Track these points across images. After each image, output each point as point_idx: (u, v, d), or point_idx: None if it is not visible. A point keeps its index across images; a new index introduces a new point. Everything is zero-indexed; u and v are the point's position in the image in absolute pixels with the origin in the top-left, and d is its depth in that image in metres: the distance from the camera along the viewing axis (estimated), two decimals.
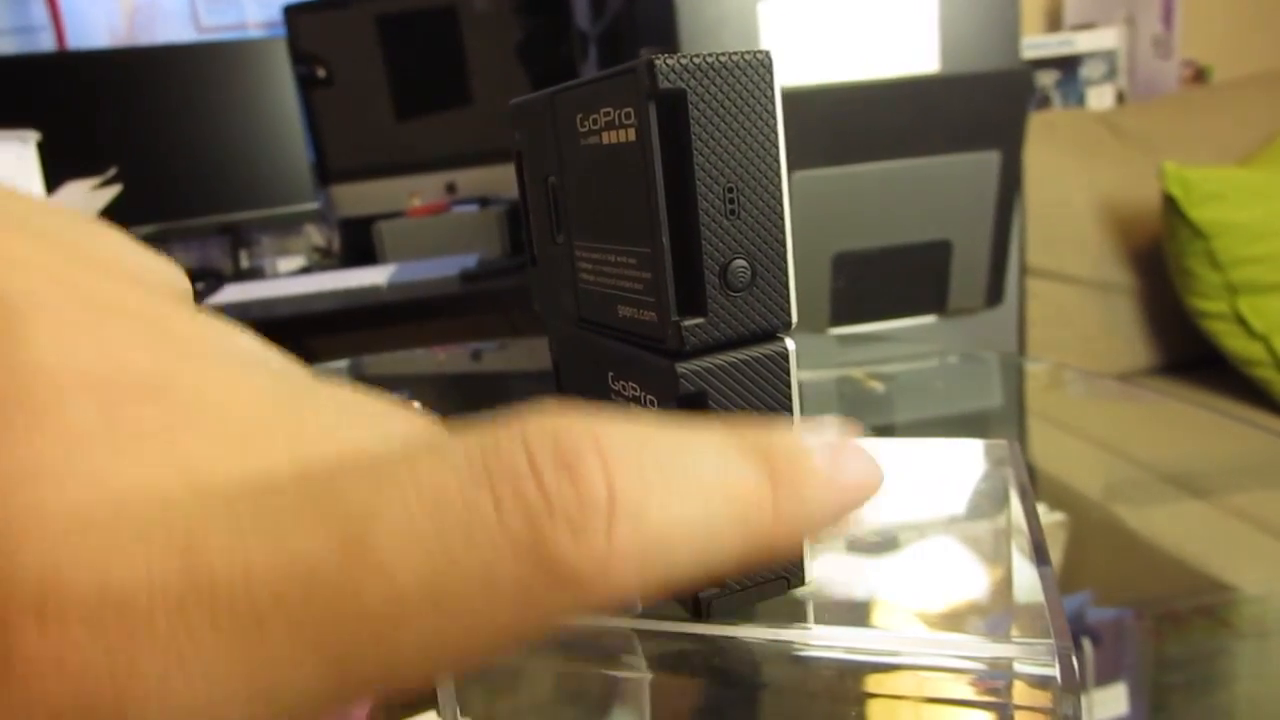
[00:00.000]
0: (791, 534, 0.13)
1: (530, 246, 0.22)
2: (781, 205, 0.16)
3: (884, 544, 0.21)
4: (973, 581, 0.20)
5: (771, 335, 0.17)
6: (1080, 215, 1.44)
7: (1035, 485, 0.61)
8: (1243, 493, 0.57)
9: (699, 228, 0.15)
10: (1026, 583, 0.19)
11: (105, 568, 0.09)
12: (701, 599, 0.17)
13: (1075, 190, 1.45)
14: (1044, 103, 1.67)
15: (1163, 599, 0.45)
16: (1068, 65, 1.66)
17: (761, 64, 0.16)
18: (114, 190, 0.78)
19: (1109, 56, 1.65)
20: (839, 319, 1.10)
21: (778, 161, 0.16)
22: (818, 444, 0.14)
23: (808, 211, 1.01)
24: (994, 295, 1.15)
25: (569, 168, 0.19)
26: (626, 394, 0.18)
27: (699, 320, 0.16)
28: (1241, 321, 1.31)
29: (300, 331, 1.27)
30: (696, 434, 0.13)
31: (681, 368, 0.16)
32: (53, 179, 0.81)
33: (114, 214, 0.78)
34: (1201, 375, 1.39)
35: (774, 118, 0.16)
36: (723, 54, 0.15)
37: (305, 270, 1.69)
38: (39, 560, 0.09)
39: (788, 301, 0.17)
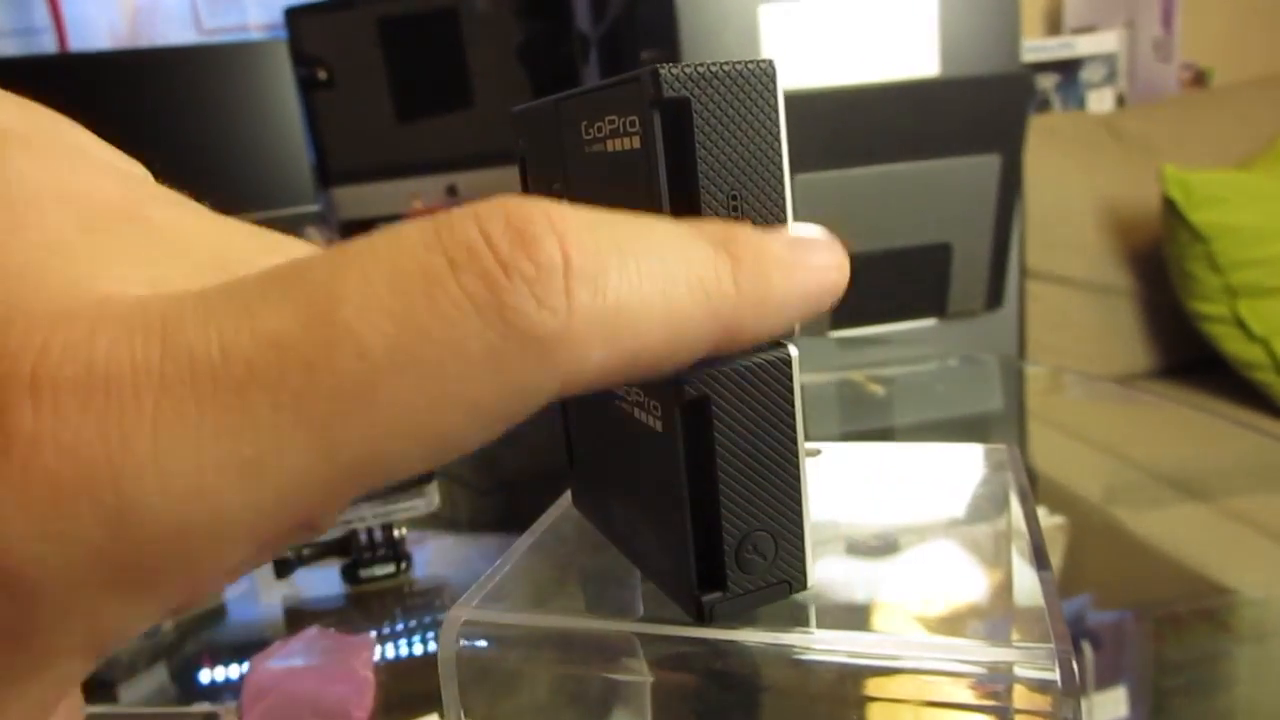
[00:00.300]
0: (757, 315, 0.13)
1: None
2: (785, 212, 0.16)
3: (884, 548, 0.22)
4: (973, 585, 0.20)
5: (774, 341, 0.17)
6: (1080, 218, 1.44)
7: (1035, 488, 0.61)
8: (1242, 496, 0.57)
9: None
10: (1026, 587, 0.19)
11: (91, 351, 0.10)
12: (704, 603, 0.17)
13: (1075, 193, 1.45)
14: (1044, 106, 1.67)
15: (1162, 602, 0.45)
16: (1068, 68, 1.66)
17: (765, 73, 0.16)
18: None
19: (1109, 60, 1.65)
20: (840, 322, 1.10)
21: (781, 169, 0.16)
22: (778, 234, 0.14)
23: (807, 214, 1.01)
24: (994, 298, 1.15)
25: (574, 175, 0.19)
26: (630, 399, 0.18)
27: None
28: (1241, 325, 1.31)
29: None
30: (654, 218, 0.13)
31: (684, 372, 0.16)
32: None
33: None
34: (1201, 378, 1.39)
35: (777, 125, 0.16)
36: (726, 63, 0.16)
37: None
38: (28, 343, 0.10)
39: None
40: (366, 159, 1.60)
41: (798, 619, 0.18)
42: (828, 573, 0.20)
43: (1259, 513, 0.53)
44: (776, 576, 0.17)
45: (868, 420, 0.75)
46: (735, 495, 0.17)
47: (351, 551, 0.45)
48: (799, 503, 0.17)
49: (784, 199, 0.16)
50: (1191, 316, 1.36)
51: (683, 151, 0.16)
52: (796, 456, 0.17)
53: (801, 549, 0.18)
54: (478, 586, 0.20)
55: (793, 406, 0.17)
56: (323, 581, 0.46)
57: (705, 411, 0.16)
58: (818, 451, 0.26)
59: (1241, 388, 1.33)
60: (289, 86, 1.57)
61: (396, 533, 0.45)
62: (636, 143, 0.16)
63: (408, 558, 0.46)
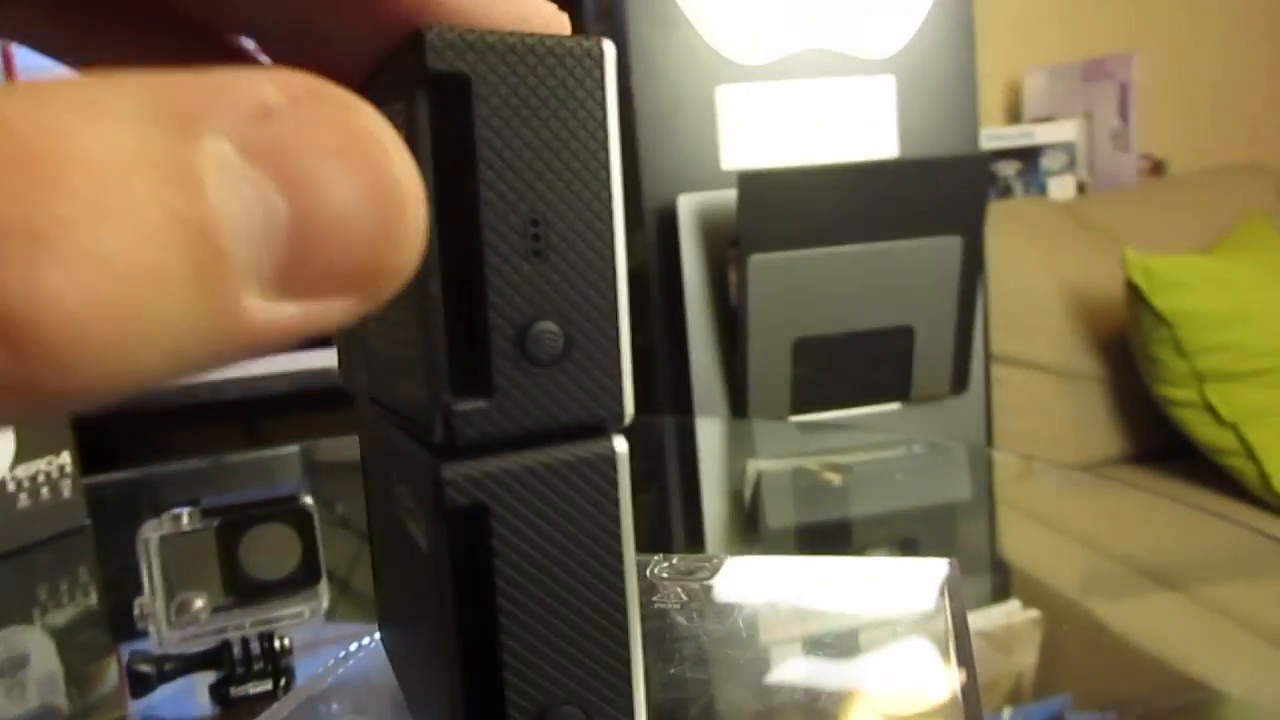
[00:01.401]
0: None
1: None
2: (613, 250, 0.12)
3: (811, 679, 0.17)
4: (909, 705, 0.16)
5: (594, 430, 0.12)
6: (1045, 302, 1.44)
7: (1007, 580, 0.59)
8: (1220, 587, 0.56)
9: (484, 268, 0.11)
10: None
11: None
12: None
13: (1039, 278, 1.45)
14: (1006, 192, 1.69)
15: (1143, 699, 0.43)
16: (1029, 156, 1.68)
17: (589, 54, 0.12)
18: None
19: (1068, 148, 1.68)
20: (800, 406, 1.07)
21: (608, 190, 0.12)
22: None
23: (767, 295, 0.99)
24: (959, 382, 1.12)
25: None
26: (404, 503, 0.13)
27: (480, 403, 0.11)
28: (1211, 409, 1.29)
29: (250, 414, 1.22)
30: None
31: (450, 470, 0.11)
32: None
33: None
34: (1174, 464, 1.37)
35: (603, 129, 0.12)
36: (532, 35, 0.11)
37: None
38: None
39: (617, 385, 0.12)
40: None
41: None
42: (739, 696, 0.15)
43: (1238, 605, 0.52)
44: None
45: (826, 511, 0.71)
46: (527, 652, 0.12)
47: (223, 665, 0.39)
48: (625, 663, 0.12)
49: (612, 232, 0.12)
50: (1160, 402, 1.34)
51: (460, 151, 0.11)
52: (622, 596, 0.12)
53: None
54: None
55: (617, 525, 0.12)
56: (186, 701, 0.41)
57: (482, 526, 0.11)
58: (720, 564, 0.21)
59: (1214, 473, 1.31)
60: None
61: (278, 643, 0.40)
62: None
63: (290, 672, 0.40)
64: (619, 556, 0.12)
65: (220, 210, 0.08)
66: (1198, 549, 0.62)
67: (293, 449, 0.88)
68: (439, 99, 0.11)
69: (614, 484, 0.12)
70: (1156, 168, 1.79)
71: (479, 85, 0.11)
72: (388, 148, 0.09)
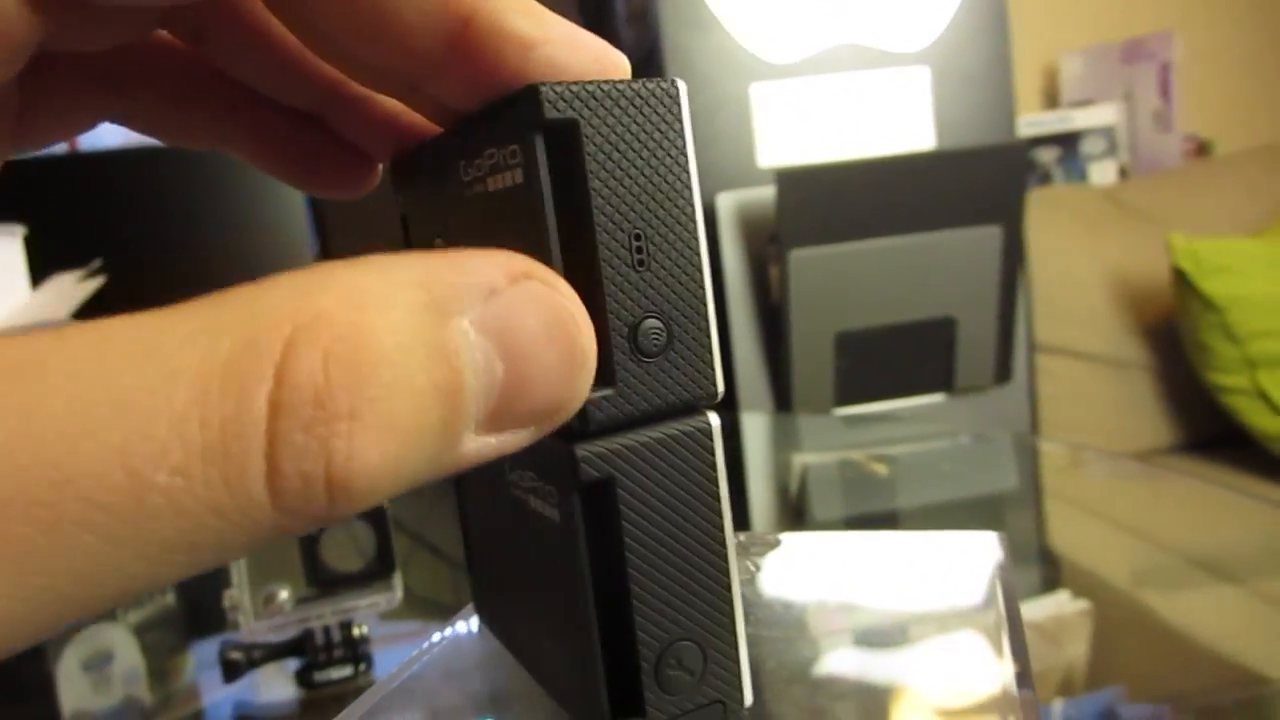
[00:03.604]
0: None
1: None
2: (699, 255, 0.14)
3: (862, 645, 0.19)
4: (958, 688, 0.17)
5: (692, 409, 0.14)
6: (1089, 290, 1.43)
7: (1057, 571, 0.59)
8: (1277, 578, 0.55)
9: (601, 280, 0.13)
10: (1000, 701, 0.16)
11: None
12: None
13: (1082, 265, 1.43)
14: (1045, 179, 1.67)
15: (1200, 692, 0.43)
16: (1067, 142, 1.66)
17: (667, 94, 0.14)
18: (98, 281, 0.77)
19: (1108, 132, 1.66)
20: (844, 399, 1.07)
21: (691, 205, 0.14)
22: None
23: (808, 290, 1.00)
24: (1002, 372, 1.12)
25: (455, 225, 0.16)
26: (524, 485, 0.15)
27: (607, 392, 0.13)
28: (1264, 397, 1.27)
29: None
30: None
31: (582, 449, 0.13)
32: (40, 274, 0.80)
33: (101, 307, 0.77)
34: (1224, 453, 1.35)
35: (684, 155, 0.14)
36: (621, 82, 0.14)
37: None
38: None
39: (711, 368, 0.14)
40: (371, 251, 1.60)
41: None
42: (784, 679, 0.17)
43: None
44: (707, 696, 0.14)
45: (872, 503, 0.72)
46: (651, 598, 0.14)
47: (306, 653, 0.42)
48: (730, 604, 0.14)
49: (697, 240, 0.14)
50: (1211, 389, 1.32)
51: (573, 184, 0.13)
52: (724, 547, 0.14)
53: (735, 659, 0.15)
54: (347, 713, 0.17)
55: (716, 486, 0.14)
56: (276, 685, 0.43)
57: (610, 496, 0.13)
58: (777, 542, 0.23)
59: (1268, 461, 1.28)
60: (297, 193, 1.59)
61: (356, 631, 0.42)
62: (518, 177, 0.13)
63: (367, 659, 0.43)
64: (719, 513, 0.14)
65: (464, 379, 0.11)
66: (1252, 538, 0.61)
67: None
68: (554, 141, 0.13)
69: (712, 451, 0.14)
70: (1201, 149, 1.76)
71: (585, 127, 0.13)
72: (579, 321, 0.12)
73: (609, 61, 0.14)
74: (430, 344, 0.11)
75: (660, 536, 0.14)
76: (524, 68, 0.13)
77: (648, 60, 1.16)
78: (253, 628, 0.40)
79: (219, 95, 0.17)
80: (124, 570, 0.09)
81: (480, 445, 0.11)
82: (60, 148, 1.64)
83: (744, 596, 0.17)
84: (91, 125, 0.17)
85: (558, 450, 0.14)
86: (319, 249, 1.62)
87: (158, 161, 1.54)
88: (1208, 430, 1.39)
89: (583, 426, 0.13)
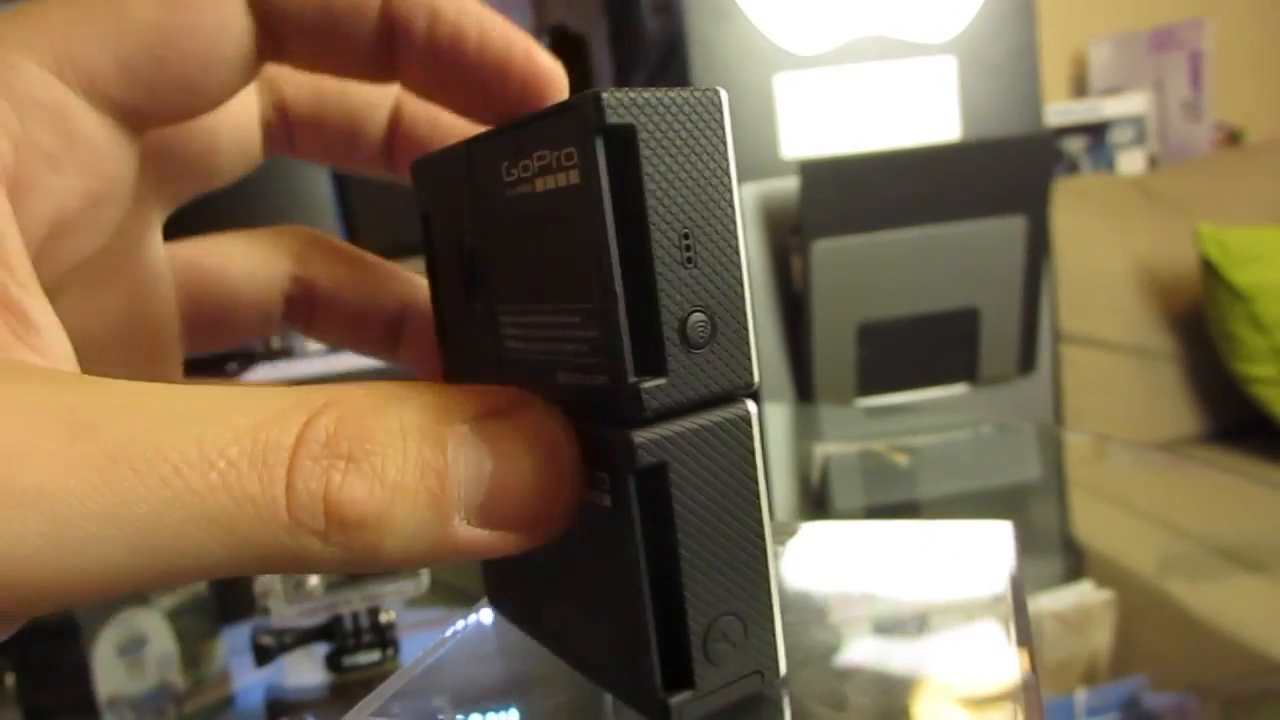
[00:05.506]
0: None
1: (439, 319, 0.21)
2: (739, 253, 0.15)
3: (873, 630, 0.19)
4: (964, 679, 0.18)
5: (731, 398, 0.15)
6: (1115, 280, 1.41)
7: (1080, 560, 0.59)
8: None
9: (655, 277, 0.14)
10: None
11: None
12: (673, 706, 0.15)
13: (1109, 255, 1.42)
14: (1073, 169, 1.65)
15: (1224, 681, 0.43)
16: (1096, 131, 1.64)
17: (713, 102, 0.15)
18: None
19: (1137, 122, 1.64)
20: (867, 390, 1.07)
21: (732, 206, 0.15)
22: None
23: (831, 281, 1.00)
24: (1026, 363, 1.12)
25: (489, 224, 0.17)
26: None
27: (660, 381, 0.14)
28: None
29: None
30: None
31: (639, 436, 0.14)
32: None
33: None
34: (1252, 443, 1.33)
35: (726, 159, 0.15)
36: (672, 89, 0.14)
37: (336, 349, 1.70)
38: None
39: (749, 359, 0.15)
40: (397, 235, 1.62)
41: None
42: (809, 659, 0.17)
43: None
44: (747, 666, 0.15)
45: (894, 493, 0.72)
46: (701, 575, 0.15)
47: (335, 638, 0.43)
48: (767, 578, 0.15)
49: (737, 239, 0.15)
50: (1238, 378, 1.31)
51: (627, 186, 0.14)
52: (761, 525, 0.15)
53: (772, 631, 0.16)
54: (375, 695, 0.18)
55: (755, 469, 0.15)
56: (305, 669, 0.44)
57: (661, 480, 0.14)
58: (795, 530, 0.24)
59: None
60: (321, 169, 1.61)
61: (384, 617, 0.43)
62: (574, 178, 0.14)
63: (395, 644, 0.44)
64: (757, 494, 0.15)
65: (451, 463, 0.13)
66: (1277, 528, 0.61)
67: None
68: (611, 145, 0.14)
69: (751, 437, 0.15)
70: (1231, 138, 1.73)
71: (641, 132, 0.14)
72: (564, 443, 0.14)
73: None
74: (426, 431, 0.13)
75: (706, 516, 0.15)
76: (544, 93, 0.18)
77: (672, 51, 1.16)
78: (283, 613, 0.41)
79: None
80: (182, 534, 0.12)
81: (473, 535, 0.14)
82: None
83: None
84: None
85: (613, 438, 0.14)
86: (342, 215, 1.63)
87: None
88: (1234, 420, 1.38)
89: (638, 414, 0.14)
